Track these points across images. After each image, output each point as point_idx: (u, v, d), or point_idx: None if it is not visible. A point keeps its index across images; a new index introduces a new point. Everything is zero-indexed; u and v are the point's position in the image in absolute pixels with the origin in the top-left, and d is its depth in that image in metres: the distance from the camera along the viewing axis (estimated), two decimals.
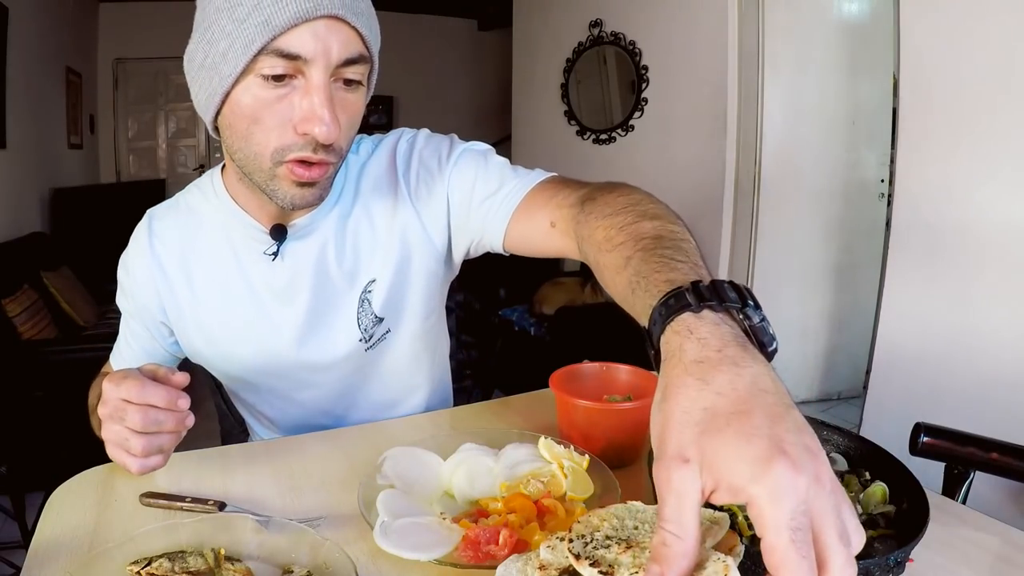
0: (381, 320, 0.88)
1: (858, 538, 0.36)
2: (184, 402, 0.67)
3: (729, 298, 0.43)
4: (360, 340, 0.88)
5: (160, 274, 0.86)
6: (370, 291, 0.87)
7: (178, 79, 5.74)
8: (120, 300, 0.92)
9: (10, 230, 3.15)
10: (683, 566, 0.36)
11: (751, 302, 0.44)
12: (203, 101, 0.71)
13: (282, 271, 0.84)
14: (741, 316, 0.43)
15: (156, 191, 5.18)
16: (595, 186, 0.73)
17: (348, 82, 0.70)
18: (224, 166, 0.85)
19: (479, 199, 0.83)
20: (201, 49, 0.68)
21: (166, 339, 0.92)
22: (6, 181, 3.25)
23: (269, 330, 0.87)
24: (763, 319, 0.43)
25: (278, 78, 0.66)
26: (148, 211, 0.90)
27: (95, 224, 3.99)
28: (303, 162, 0.70)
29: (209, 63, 0.68)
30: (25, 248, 3.05)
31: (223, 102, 0.70)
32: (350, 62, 0.68)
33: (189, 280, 0.86)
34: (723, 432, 0.36)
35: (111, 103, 5.47)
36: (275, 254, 0.83)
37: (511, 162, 0.89)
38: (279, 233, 0.81)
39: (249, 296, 0.86)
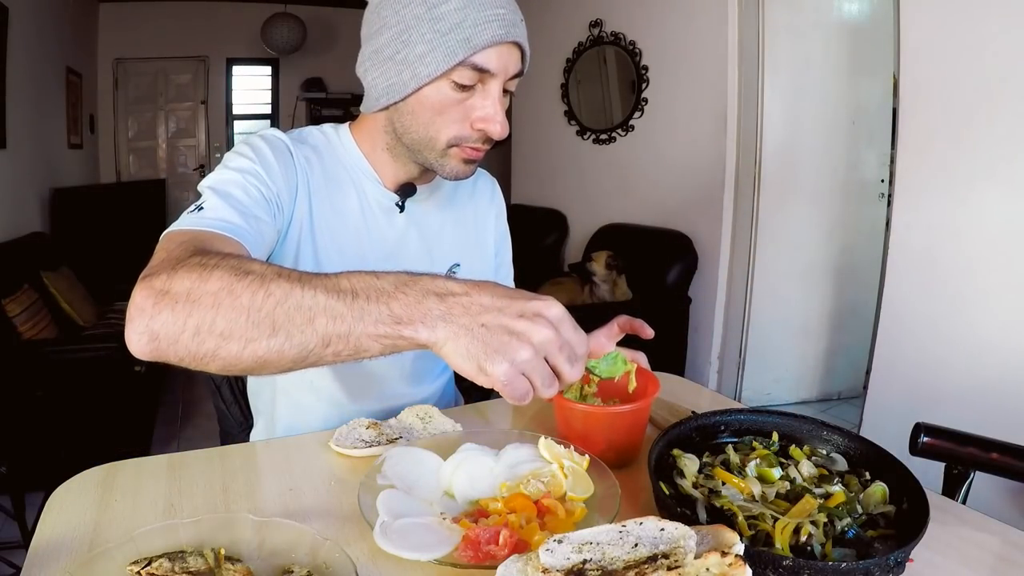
0: None
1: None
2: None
3: None
4: None
5: (304, 177, 0.90)
6: (454, 272, 1.03)
7: (178, 79, 5.74)
8: (244, 171, 0.80)
9: (10, 230, 3.15)
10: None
11: None
12: (382, 87, 0.84)
13: (399, 224, 0.97)
14: None
15: (156, 191, 5.18)
16: None
17: (506, 91, 0.85)
18: (353, 129, 0.96)
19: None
20: (393, 46, 0.81)
21: (274, 231, 0.84)
22: (6, 181, 3.25)
23: (369, 266, 0.87)
24: None
25: (465, 87, 0.81)
26: (273, 130, 0.89)
27: (95, 224, 4.00)
28: (473, 148, 0.86)
29: (401, 59, 0.81)
30: (25, 248, 3.04)
31: (412, 93, 0.82)
32: (515, 76, 0.84)
33: (319, 201, 0.91)
34: None
35: (111, 103, 5.47)
36: (401, 207, 0.96)
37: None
38: (407, 190, 0.96)
39: (367, 237, 0.95)
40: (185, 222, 0.71)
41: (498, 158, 5.89)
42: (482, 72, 0.80)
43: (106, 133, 5.47)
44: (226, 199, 0.75)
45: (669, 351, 3.26)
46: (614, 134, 3.75)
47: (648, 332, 0.82)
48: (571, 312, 0.55)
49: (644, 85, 3.50)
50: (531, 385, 0.53)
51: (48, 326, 2.63)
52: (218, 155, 5.76)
